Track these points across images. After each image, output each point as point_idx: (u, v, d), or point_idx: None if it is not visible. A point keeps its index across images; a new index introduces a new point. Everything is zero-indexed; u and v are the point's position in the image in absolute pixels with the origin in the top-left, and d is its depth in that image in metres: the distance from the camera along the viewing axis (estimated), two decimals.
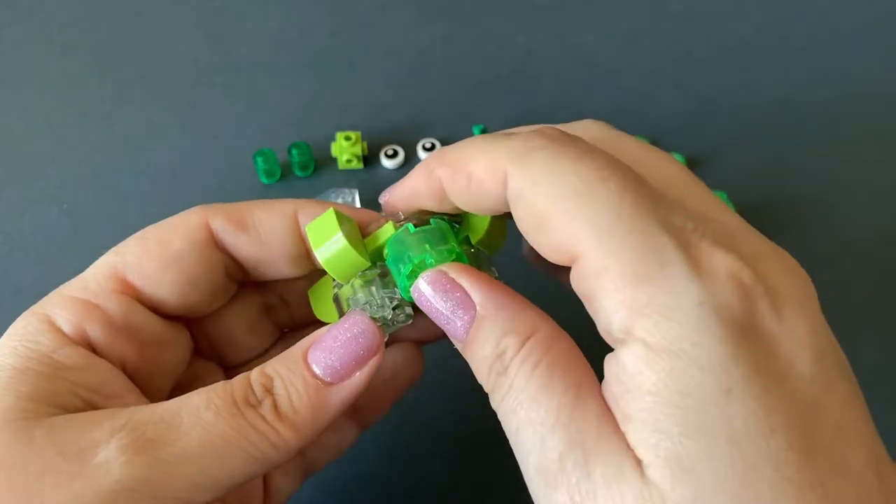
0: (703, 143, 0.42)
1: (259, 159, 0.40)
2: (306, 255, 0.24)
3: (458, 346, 0.20)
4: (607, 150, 0.19)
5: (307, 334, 0.22)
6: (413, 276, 0.21)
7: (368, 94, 0.45)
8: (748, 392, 0.16)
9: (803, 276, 0.18)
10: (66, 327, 0.21)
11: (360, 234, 0.23)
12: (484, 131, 0.42)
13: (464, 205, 0.21)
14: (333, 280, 0.24)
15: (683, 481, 0.16)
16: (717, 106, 0.45)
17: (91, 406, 0.20)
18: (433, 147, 0.42)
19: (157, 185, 0.41)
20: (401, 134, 0.43)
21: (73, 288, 0.22)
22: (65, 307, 0.21)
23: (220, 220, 0.23)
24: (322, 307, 0.25)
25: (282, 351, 0.26)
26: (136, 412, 0.19)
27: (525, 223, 0.19)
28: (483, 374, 0.19)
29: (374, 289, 0.22)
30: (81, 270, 0.37)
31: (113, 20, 0.49)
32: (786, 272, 0.18)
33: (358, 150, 0.41)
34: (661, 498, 0.16)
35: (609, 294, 0.17)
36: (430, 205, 0.22)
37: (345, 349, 0.21)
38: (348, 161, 0.41)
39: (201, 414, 0.19)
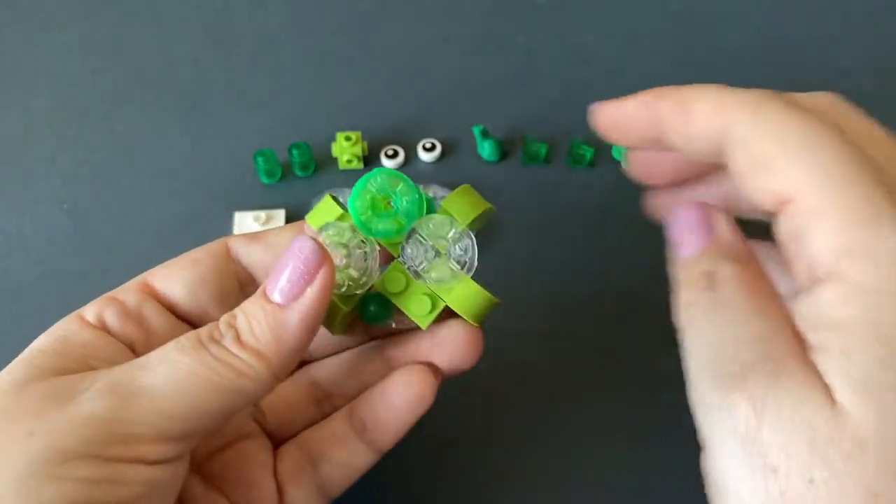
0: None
1: (259, 159, 0.40)
2: None
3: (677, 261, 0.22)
4: (834, 119, 0.20)
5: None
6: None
7: (368, 94, 0.45)
8: None
9: None
10: (90, 317, 0.23)
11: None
12: (484, 132, 0.42)
13: (675, 139, 0.22)
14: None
15: (874, 407, 0.16)
16: None
17: (95, 372, 0.21)
18: (433, 147, 0.42)
19: (158, 185, 0.41)
20: (401, 134, 0.43)
21: (109, 292, 0.25)
22: (93, 304, 0.24)
23: (236, 238, 0.26)
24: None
25: (301, 380, 0.28)
26: (120, 365, 0.21)
27: (743, 166, 0.20)
28: (686, 282, 0.21)
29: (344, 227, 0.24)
30: (82, 270, 0.38)
31: (113, 20, 0.49)
32: None
33: (358, 150, 0.41)
34: (850, 420, 0.16)
35: (821, 234, 0.18)
36: (636, 133, 0.23)
37: (291, 268, 0.22)
38: (349, 161, 0.41)
39: (168, 353, 0.21)
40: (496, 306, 0.25)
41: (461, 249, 0.24)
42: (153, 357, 0.21)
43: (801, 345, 0.18)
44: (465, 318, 0.24)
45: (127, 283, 0.25)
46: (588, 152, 0.41)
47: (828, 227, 0.18)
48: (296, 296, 0.22)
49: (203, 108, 0.45)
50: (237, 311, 0.22)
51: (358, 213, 0.24)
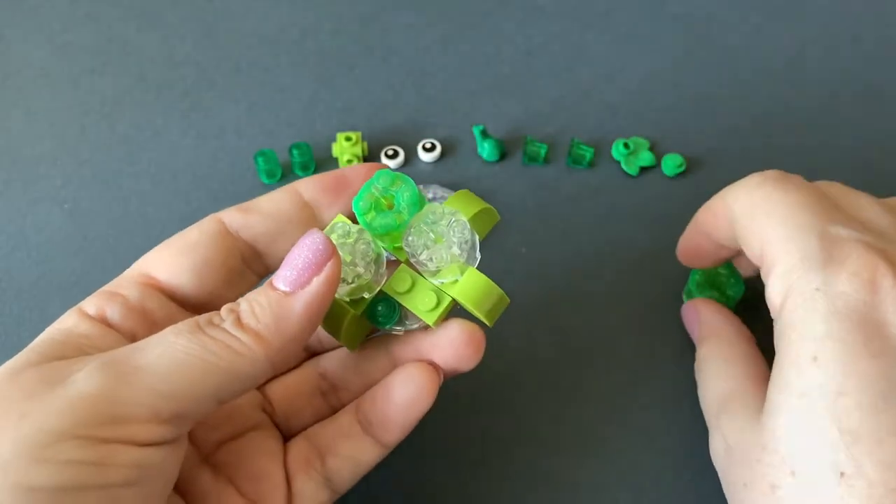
0: (704, 143, 0.43)
1: (260, 159, 0.40)
2: (313, 218, 0.25)
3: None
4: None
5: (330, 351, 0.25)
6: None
7: (369, 95, 0.45)
8: (833, 362, 0.22)
9: None
10: (91, 310, 0.23)
11: None
12: (484, 132, 0.42)
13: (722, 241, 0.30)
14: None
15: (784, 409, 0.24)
16: (717, 106, 0.45)
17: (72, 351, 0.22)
18: (433, 147, 0.42)
19: (158, 185, 0.41)
20: (401, 134, 0.43)
21: (106, 285, 0.25)
22: (93, 298, 0.24)
23: (228, 212, 0.25)
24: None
25: (308, 372, 0.28)
26: (117, 349, 0.21)
27: (741, 240, 0.28)
28: None
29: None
30: (82, 270, 0.38)
31: (113, 20, 0.50)
32: None
33: (358, 150, 0.41)
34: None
35: (771, 282, 0.25)
36: (709, 253, 0.32)
37: (298, 258, 0.22)
38: (349, 161, 0.41)
39: (164, 336, 0.21)
40: (505, 303, 0.25)
41: (460, 236, 0.24)
42: (150, 339, 0.21)
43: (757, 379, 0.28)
44: (473, 310, 0.24)
45: (126, 275, 0.25)
46: (588, 152, 0.41)
47: (775, 275, 0.25)
48: (301, 284, 0.22)
49: (203, 109, 0.45)
50: (241, 299, 0.22)
51: (362, 214, 0.24)
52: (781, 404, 0.23)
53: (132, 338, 0.23)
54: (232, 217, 0.25)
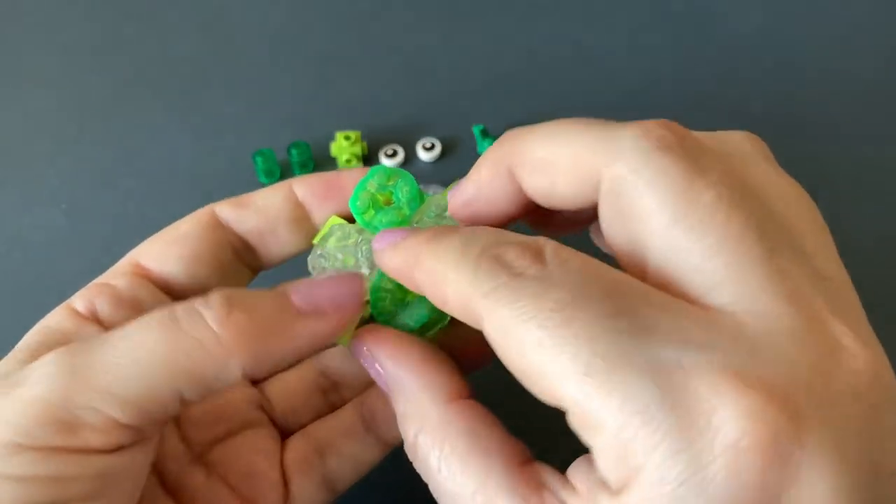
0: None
1: (258, 159, 0.40)
2: (305, 218, 0.25)
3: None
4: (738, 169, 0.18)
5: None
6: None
7: (368, 94, 0.45)
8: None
9: None
10: (80, 306, 0.22)
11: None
12: (484, 131, 0.41)
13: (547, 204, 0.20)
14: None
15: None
16: (717, 106, 0.45)
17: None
18: (433, 147, 0.42)
19: (157, 184, 0.41)
20: (400, 134, 0.43)
21: (98, 278, 0.24)
22: (83, 292, 0.23)
23: (222, 205, 0.25)
24: None
25: (309, 368, 0.27)
26: (82, 341, 0.19)
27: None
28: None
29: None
30: (80, 270, 0.38)
31: (113, 20, 0.49)
32: None
33: (357, 149, 0.41)
34: None
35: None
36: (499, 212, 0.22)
37: (328, 285, 0.20)
38: (348, 161, 0.41)
39: (134, 328, 0.18)
40: None
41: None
42: (118, 330, 0.19)
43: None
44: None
45: (117, 265, 0.24)
46: None
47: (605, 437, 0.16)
48: (318, 310, 0.20)
49: (202, 108, 0.45)
50: (247, 290, 0.20)
51: (360, 213, 0.24)
52: None
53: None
54: (225, 210, 0.25)
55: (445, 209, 0.23)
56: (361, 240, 0.23)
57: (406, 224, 0.23)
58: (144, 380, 0.18)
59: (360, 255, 0.23)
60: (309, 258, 0.24)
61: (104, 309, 0.22)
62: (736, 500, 0.13)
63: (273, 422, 0.27)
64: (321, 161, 0.42)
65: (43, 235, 0.39)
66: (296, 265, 0.27)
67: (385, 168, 0.24)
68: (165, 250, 0.24)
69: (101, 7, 0.50)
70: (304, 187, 0.25)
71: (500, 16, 0.50)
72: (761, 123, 0.44)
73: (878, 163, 0.42)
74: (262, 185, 0.40)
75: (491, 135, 0.42)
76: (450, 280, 0.17)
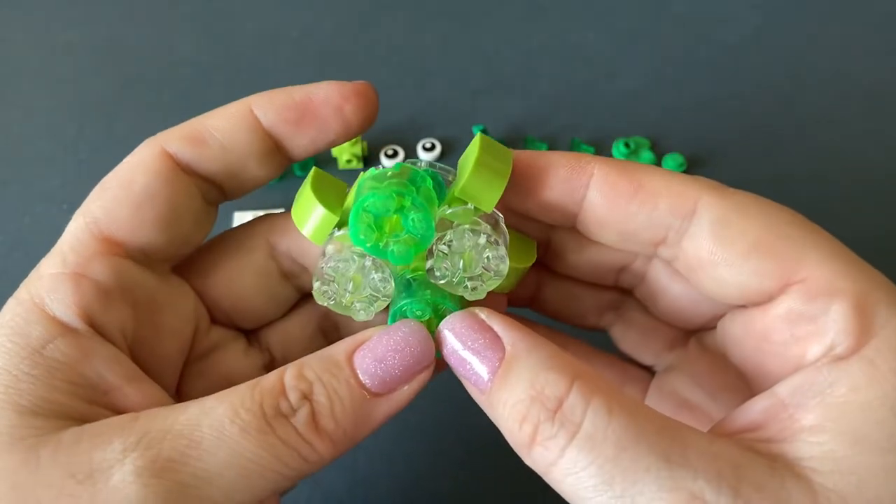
0: (703, 143, 0.42)
1: None
2: (276, 150, 0.22)
3: (481, 400, 0.18)
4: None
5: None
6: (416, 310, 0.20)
7: None
8: None
9: None
10: (62, 312, 0.19)
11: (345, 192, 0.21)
12: (484, 131, 0.42)
13: (604, 216, 0.20)
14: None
15: (875, 489, 0.16)
16: (717, 106, 0.45)
17: (91, 403, 0.18)
18: (433, 147, 0.42)
19: None
20: (401, 134, 0.43)
21: (52, 264, 0.20)
22: (52, 288, 0.19)
23: (175, 143, 0.21)
24: (299, 213, 0.22)
25: (303, 319, 0.25)
26: (150, 423, 0.17)
27: (730, 251, 0.19)
28: (513, 423, 0.17)
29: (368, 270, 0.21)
30: None
31: (113, 20, 0.49)
32: None
33: (358, 150, 0.41)
34: (841, 501, 0.16)
35: (842, 313, 0.17)
36: (549, 195, 0.20)
37: (397, 359, 0.19)
38: (348, 161, 0.41)
39: (226, 429, 0.17)
40: (527, 271, 0.22)
41: (494, 257, 0.20)
42: (204, 430, 0.17)
43: (727, 442, 0.17)
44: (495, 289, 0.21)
45: (77, 241, 0.20)
46: (588, 152, 0.41)
47: (851, 306, 0.17)
48: (391, 390, 0.19)
49: (203, 108, 0.44)
50: (314, 378, 0.18)
51: (365, 244, 0.19)
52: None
53: (122, 334, 0.20)
54: (181, 150, 0.21)
55: (462, 236, 0.20)
56: (369, 267, 0.20)
57: (420, 250, 0.20)
58: (248, 491, 0.17)
59: (368, 287, 0.21)
60: (315, 286, 0.20)
61: (93, 309, 0.19)
62: None
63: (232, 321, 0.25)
64: (321, 161, 0.42)
65: (44, 235, 0.39)
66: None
67: (389, 188, 0.19)
68: (135, 216, 0.20)
69: (102, 7, 0.50)
70: (269, 113, 0.21)
71: (500, 16, 0.50)
72: (761, 123, 0.44)
73: (879, 163, 0.42)
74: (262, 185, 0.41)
75: (491, 135, 0.42)
76: (659, 173, 0.20)
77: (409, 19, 0.49)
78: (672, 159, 0.41)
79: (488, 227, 0.20)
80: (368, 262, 0.20)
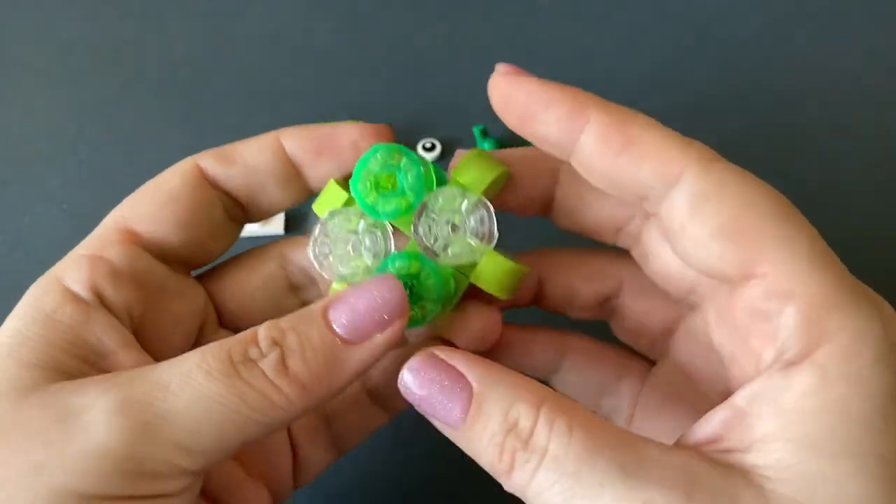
0: (703, 143, 0.42)
1: None
2: (296, 176, 0.24)
3: (454, 435, 0.19)
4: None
5: None
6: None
7: (368, 94, 0.45)
8: None
9: None
10: (75, 285, 0.20)
11: None
12: (484, 131, 0.42)
13: (591, 164, 0.20)
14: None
15: (825, 494, 0.16)
16: (717, 106, 0.45)
17: (86, 363, 0.20)
18: (433, 147, 0.42)
19: None
20: (401, 134, 0.43)
21: (81, 247, 0.22)
22: (72, 266, 0.21)
23: (207, 159, 0.23)
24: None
25: None
26: (129, 375, 0.18)
27: (699, 229, 0.18)
28: (492, 455, 0.18)
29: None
30: None
31: (113, 20, 0.49)
32: None
33: None
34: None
35: (795, 317, 0.17)
36: (544, 131, 0.21)
37: (369, 306, 0.19)
38: None
39: (192, 374, 0.18)
40: (526, 275, 0.23)
41: (477, 221, 0.21)
42: (173, 376, 0.18)
43: (682, 452, 0.18)
44: (493, 293, 0.22)
45: (104, 230, 0.22)
46: None
47: (807, 309, 0.17)
48: (362, 337, 0.19)
49: (203, 108, 0.45)
50: (287, 326, 0.19)
51: (362, 197, 0.22)
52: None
53: (126, 311, 0.21)
54: (211, 164, 0.23)
55: (454, 199, 0.21)
56: (364, 227, 0.22)
57: (411, 212, 0.22)
58: (214, 434, 0.18)
59: (364, 244, 0.22)
60: (310, 250, 0.22)
61: (104, 285, 0.21)
62: None
63: None
64: None
65: (44, 235, 0.39)
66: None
67: (388, 146, 0.22)
68: (157, 213, 0.22)
69: (102, 7, 0.50)
70: (294, 142, 0.23)
71: (500, 16, 0.50)
72: (761, 123, 0.44)
73: (880, 163, 0.42)
74: None
75: (491, 135, 0.42)
76: (655, 129, 0.20)
77: (409, 19, 0.49)
78: None
79: (476, 197, 0.21)
80: (370, 220, 0.22)
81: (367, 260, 0.22)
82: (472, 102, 0.45)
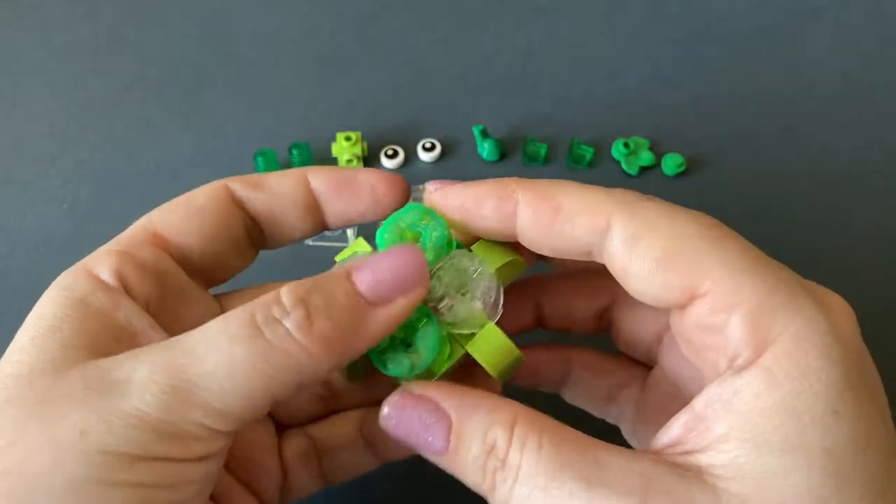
0: (703, 143, 0.42)
1: (259, 159, 0.40)
2: (316, 209, 0.25)
3: (439, 461, 0.20)
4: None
5: None
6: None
7: (368, 95, 0.45)
8: (853, 413, 0.18)
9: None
10: (104, 273, 0.22)
11: None
12: (484, 132, 0.42)
13: (534, 238, 0.22)
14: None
15: (772, 489, 0.17)
16: (717, 106, 0.45)
17: (118, 342, 0.21)
18: (433, 147, 0.42)
19: (158, 185, 0.41)
20: (401, 134, 0.43)
21: (109, 244, 0.23)
22: (102, 258, 0.22)
23: (236, 182, 0.25)
24: None
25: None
26: (161, 346, 0.19)
27: (640, 266, 0.20)
28: (477, 476, 0.19)
29: None
30: None
31: (113, 20, 0.49)
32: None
33: (358, 150, 0.41)
34: (742, 503, 0.17)
35: (740, 325, 0.19)
36: (486, 224, 0.22)
37: (393, 270, 0.20)
38: (348, 161, 0.41)
39: (217, 340, 0.19)
40: (519, 362, 0.23)
41: (485, 289, 0.22)
42: (199, 342, 0.19)
43: (643, 458, 0.19)
44: (487, 368, 0.23)
45: (133, 233, 0.23)
46: (588, 152, 0.41)
47: (750, 316, 0.19)
48: (385, 299, 0.20)
49: (203, 109, 0.45)
50: (312, 286, 0.20)
51: (385, 244, 0.23)
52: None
53: (146, 304, 0.22)
54: (239, 187, 0.25)
55: (469, 265, 0.23)
56: (427, 226, 0.23)
57: (433, 263, 0.23)
58: (243, 394, 0.18)
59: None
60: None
61: (129, 275, 0.22)
62: (847, 337, 0.19)
63: (270, 415, 0.27)
64: (322, 161, 0.42)
65: (45, 235, 0.39)
66: (296, 249, 0.27)
67: (421, 207, 0.23)
68: (185, 223, 0.24)
69: (102, 7, 0.50)
70: (319, 179, 0.25)
71: (499, 16, 0.50)
72: (761, 123, 0.44)
73: (879, 163, 0.42)
74: None
75: (491, 135, 0.42)
76: (576, 192, 0.21)
77: (409, 19, 0.49)
78: (671, 159, 0.41)
79: (490, 269, 0.23)
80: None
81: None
82: (472, 102, 0.45)
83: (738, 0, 0.50)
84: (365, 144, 0.41)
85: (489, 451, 0.19)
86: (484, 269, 0.23)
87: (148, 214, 0.24)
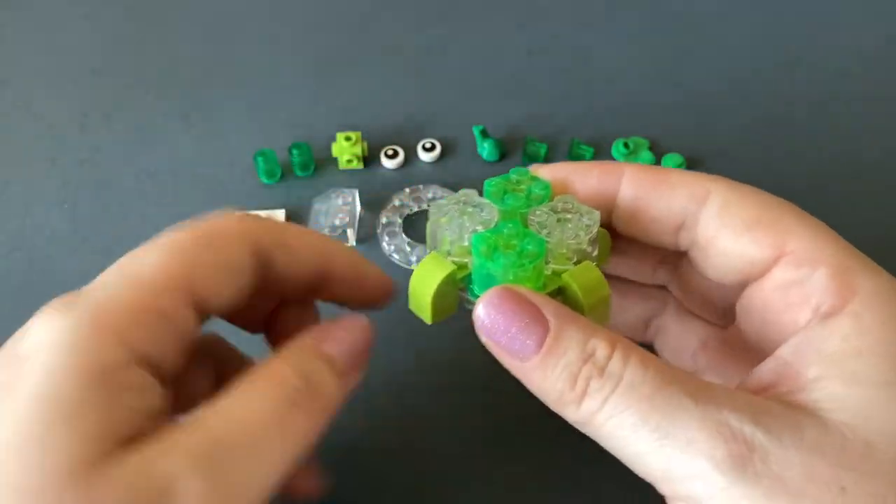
0: (703, 143, 0.42)
1: (259, 159, 0.40)
2: (327, 278, 0.25)
3: (523, 367, 0.20)
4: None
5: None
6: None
7: (369, 95, 0.45)
8: None
9: None
10: (136, 344, 0.19)
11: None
12: (484, 132, 0.42)
13: (632, 209, 0.24)
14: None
15: (880, 417, 0.18)
16: (717, 106, 0.45)
17: (139, 428, 0.18)
18: (433, 147, 0.42)
19: (158, 184, 0.41)
20: (401, 134, 0.43)
21: (133, 289, 0.20)
22: (137, 327, 0.19)
23: (263, 232, 0.23)
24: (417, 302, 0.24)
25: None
26: (199, 430, 0.18)
27: (733, 228, 0.22)
28: (566, 383, 0.19)
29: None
30: (82, 270, 0.38)
31: (113, 20, 0.50)
32: None
33: (358, 150, 0.41)
34: (850, 434, 0.18)
35: (825, 277, 0.20)
36: (589, 186, 0.24)
37: (353, 341, 0.23)
38: (349, 161, 0.41)
39: (267, 428, 0.19)
40: (607, 307, 0.23)
41: (588, 229, 0.23)
42: (244, 422, 0.19)
43: (744, 391, 0.20)
44: (580, 296, 0.22)
45: (163, 279, 0.20)
46: (588, 152, 0.41)
47: (832, 270, 0.21)
48: (353, 371, 0.23)
49: (203, 109, 0.45)
50: (307, 366, 0.21)
51: (491, 195, 0.24)
52: None
53: (161, 374, 0.20)
54: (270, 241, 0.23)
55: (576, 211, 0.23)
56: (477, 211, 0.24)
57: (527, 209, 0.24)
58: (287, 464, 0.20)
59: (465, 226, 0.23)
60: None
61: (161, 356, 0.20)
62: None
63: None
64: (322, 161, 0.42)
65: (45, 235, 0.39)
66: None
67: (526, 171, 0.25)
68: (223, 284, 0.21)
69: (103, 7, 0.50)
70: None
71: (500, 16, 0.50)
72: (761, 123, 0.44)
73: (879, 163, 0.42)
74: (263, 185, 0.41)
75: (491, 135, 0.42)
76: (676, 170, 0.24)
77: (409, 19, 0.50)
78: (671, 159, 0.41)
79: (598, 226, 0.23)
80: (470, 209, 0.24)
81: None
82: (472, 102, 0.45)
83: (738, 0, 0.50)
84: (365, 144, 0.42)
85: (587, 357, 0.19)
86: (593, 217, 0.23)
87: (175, 248, 0.21)
